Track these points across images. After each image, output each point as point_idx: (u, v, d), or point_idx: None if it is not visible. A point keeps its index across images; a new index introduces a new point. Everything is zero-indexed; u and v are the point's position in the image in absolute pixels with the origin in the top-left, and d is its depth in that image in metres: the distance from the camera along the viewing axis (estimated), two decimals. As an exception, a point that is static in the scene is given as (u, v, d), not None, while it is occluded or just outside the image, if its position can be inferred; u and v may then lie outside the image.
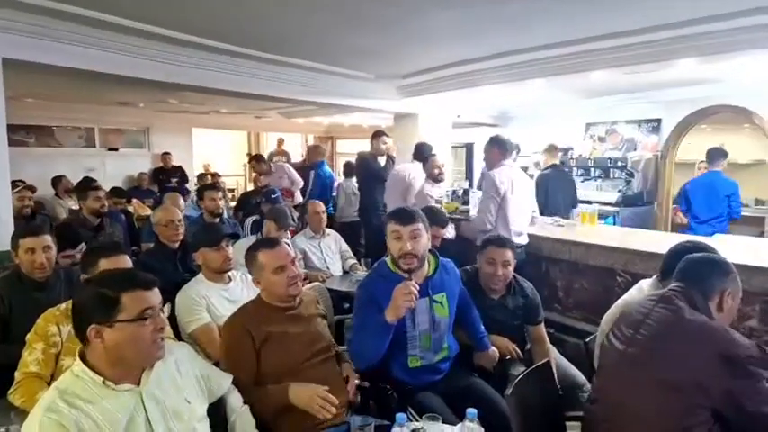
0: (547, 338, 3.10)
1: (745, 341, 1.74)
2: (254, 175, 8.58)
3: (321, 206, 4.80)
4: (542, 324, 3.10)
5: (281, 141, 11.75)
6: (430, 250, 2.56)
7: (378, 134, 6.22)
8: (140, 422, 1.57)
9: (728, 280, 1.96)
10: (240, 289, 2.98)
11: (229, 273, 3.00)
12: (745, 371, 1.69)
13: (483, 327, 2.79)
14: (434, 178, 5.16)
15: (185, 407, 1.72)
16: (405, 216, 2.42)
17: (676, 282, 1.99)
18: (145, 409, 1.59)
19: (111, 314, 1.53)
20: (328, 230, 4.82)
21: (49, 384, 2.16)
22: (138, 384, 1.62)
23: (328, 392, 2.14)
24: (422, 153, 5.59)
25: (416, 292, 2.22)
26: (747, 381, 1.69)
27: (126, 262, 2.51)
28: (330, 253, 4.67)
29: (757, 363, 1.71)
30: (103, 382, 1.54)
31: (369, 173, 6.05)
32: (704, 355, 1.71)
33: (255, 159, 7.93)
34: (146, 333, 1.57)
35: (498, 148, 4.33)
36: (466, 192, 5.02)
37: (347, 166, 7.67)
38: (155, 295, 1.64)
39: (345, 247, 4.87)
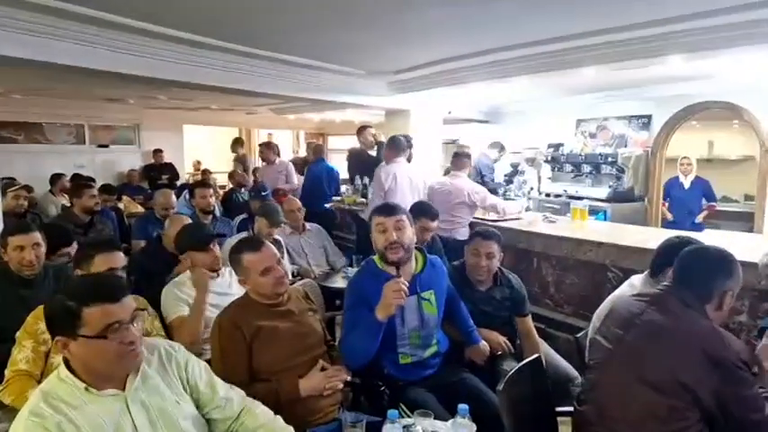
0: (535, 331, 3.16)
1: (736, 345, 1.71)
2: (231, 169, 8.60)
3: (297, 203, 4.81)
4: (529, 317, 3.17)
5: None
6: (418, 248, 2.59)
7: (362, 129, 6.23)
8: (127, 428, 1.52)
9: (731, 280, 1.88)
10: (228, 283, 3.00)
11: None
12: (735, 376, 1.67)
13: (472, 321, 2.82)
14: None
15: (175, 409, 1.65)
16: (388, 208, 2.50)
17: (673, 280, 1.94)
18: (130, 414, 1.54)
19: (73, 328, 1.47)
20: (309, 225, 4.81)
21: (39, 382, 2.15)
22: (124, 389, 1.56)
23: None
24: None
25: (406, 289, 2.24)
26: (736, 387, 1.67)
27: (120, 258, 2.52)
28: (311, 249, 4.67)
29: (747, 367, 1.69)
30: (86, 389, 1.50)
31: (364, 166, 6.02)
32: (694, 360, 1.69)
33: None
34: (111, 348, 1.48)
35: (389, 148, 5.17)
36: (365, 185, 5.17)
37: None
38: (123, 307, 1.52)
39: (328, 242, 4.87)
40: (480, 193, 4.92)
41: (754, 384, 1.72)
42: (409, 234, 2.44)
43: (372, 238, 2.49)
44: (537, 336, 3.15)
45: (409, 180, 5.05)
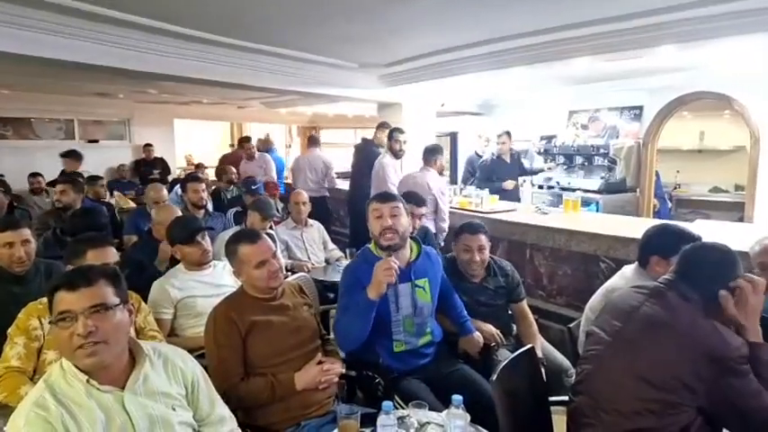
0: (530, 314, 3.19)
1: (735, 340, 1.70)
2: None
3: (303, 196, 4.76)
4: (524, 301, 3.21)
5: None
6: (412, 237, 2.64)
7: (383, 125, 6.13)
8: (122, 427, 1.51)
9: (734, 282, 1.85)
10: (220, 275, 3.04)
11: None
12: (735, 370, 1.66)
13: (465, 312, 2.85)
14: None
15: (173, 414, 1.63)
16: (385, 195, 2.59)
17: (675, 274, 1.92)
18: (128, 414, 1.52)
19: (52, 314, 1.51)
20: (311, 221, 4.79)
21: (31, 379, 2.14)
22: (123, 387, 1.55)
23: None
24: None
25: (396, 267, 2.27)
26: (738, 379, 1.66)
27: (112, 253, 2.53)
28: (313, 243, 4.65)
29: (745, 361, 1.68)
30: (87, 381, 1.50)
31: (369, 161, 5.95)
32: (692, 356, 1.68)
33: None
34: (64, 338, 1.47)
35: (308, 142, 7.57)
36: None
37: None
38: (80, 297, 1.49)
39: (327, 237, 4.86)
40: (441, 193, 4.93)
41: (750, 373, 1.70)
42: (404, 221, 2.49)
43: (369, 224, 2.54)
44: (532, 317, 3.18)
45: (308, 163, 7.21)
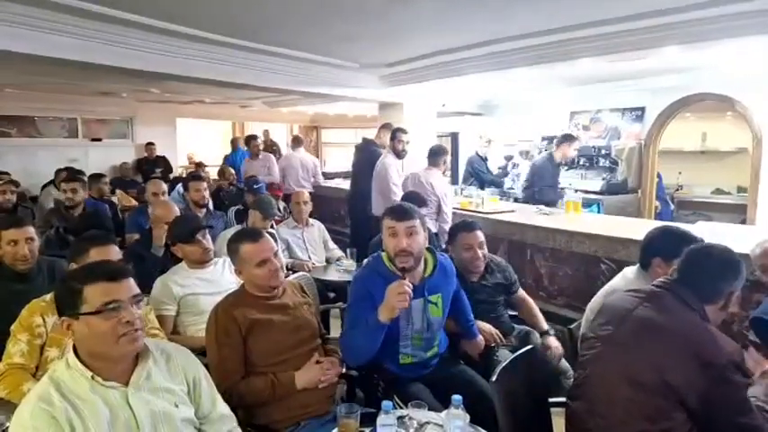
0: (529, 298, 3.26)
1: (728, 346, 1.69)
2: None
3: (304, 196, 4.77)
4: (520, 288, 3.28)
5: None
6: (428, 248, 2.50)
7: (387, 126, 6.08)
8: (125, 422, 1.52)
9: (738, 280, 1.86)
10: (221, 273, 3.05)
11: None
12: (724, 379, 1.64)
13: (472, 315, 2.81)
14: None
15: (175, 411, 1.64)
16: (400, 212, 2.37)
17: (675, 277, 1.91)
18: (131, 410, 1.54)
19: (76, 307, 1.51)
20: (312, 221, 4.80)
21: (33, 376, 2.15)
22: (127, 384, 1.57)
23: None
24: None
25: (410, 291, 2.15)
26: (725, 389, 1.65)
27: (115, 251, 2.53)
28: (313, 243, 4.66)
29: (737, 370, 1.66)
30: (92, 377, 1.51)
31: (371, 161, 5.94)
32: (684, 361, 1.67)
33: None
34: (108, 327, 1.51)
35: (293, 141, 8.34)
36: None
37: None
38: (123, 287, 1.56)
39: (328, 237, 4.87)
40: (445, 195, 5.00)
41: (744, 387, 1.69)
42: (420, 240, 2.34)
43: (383, 239, 2.41)
44: (532, 301, 3.25)
45: (300, 161, 7.83)
